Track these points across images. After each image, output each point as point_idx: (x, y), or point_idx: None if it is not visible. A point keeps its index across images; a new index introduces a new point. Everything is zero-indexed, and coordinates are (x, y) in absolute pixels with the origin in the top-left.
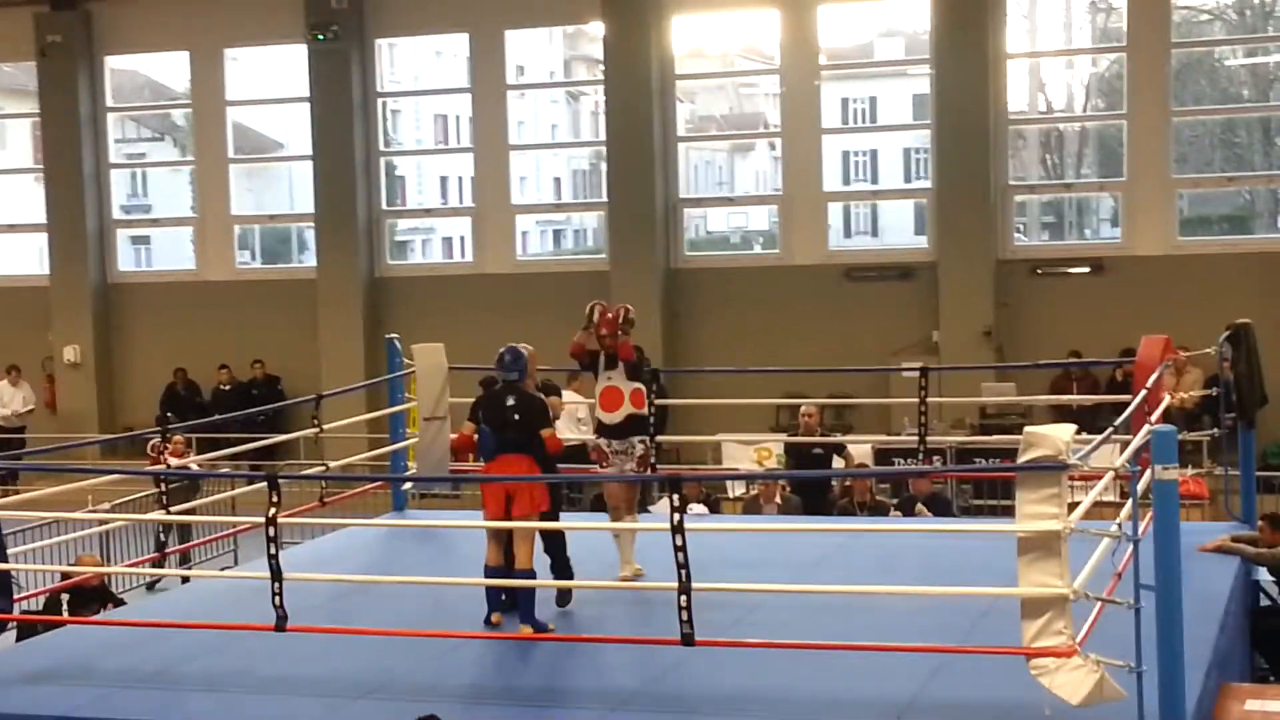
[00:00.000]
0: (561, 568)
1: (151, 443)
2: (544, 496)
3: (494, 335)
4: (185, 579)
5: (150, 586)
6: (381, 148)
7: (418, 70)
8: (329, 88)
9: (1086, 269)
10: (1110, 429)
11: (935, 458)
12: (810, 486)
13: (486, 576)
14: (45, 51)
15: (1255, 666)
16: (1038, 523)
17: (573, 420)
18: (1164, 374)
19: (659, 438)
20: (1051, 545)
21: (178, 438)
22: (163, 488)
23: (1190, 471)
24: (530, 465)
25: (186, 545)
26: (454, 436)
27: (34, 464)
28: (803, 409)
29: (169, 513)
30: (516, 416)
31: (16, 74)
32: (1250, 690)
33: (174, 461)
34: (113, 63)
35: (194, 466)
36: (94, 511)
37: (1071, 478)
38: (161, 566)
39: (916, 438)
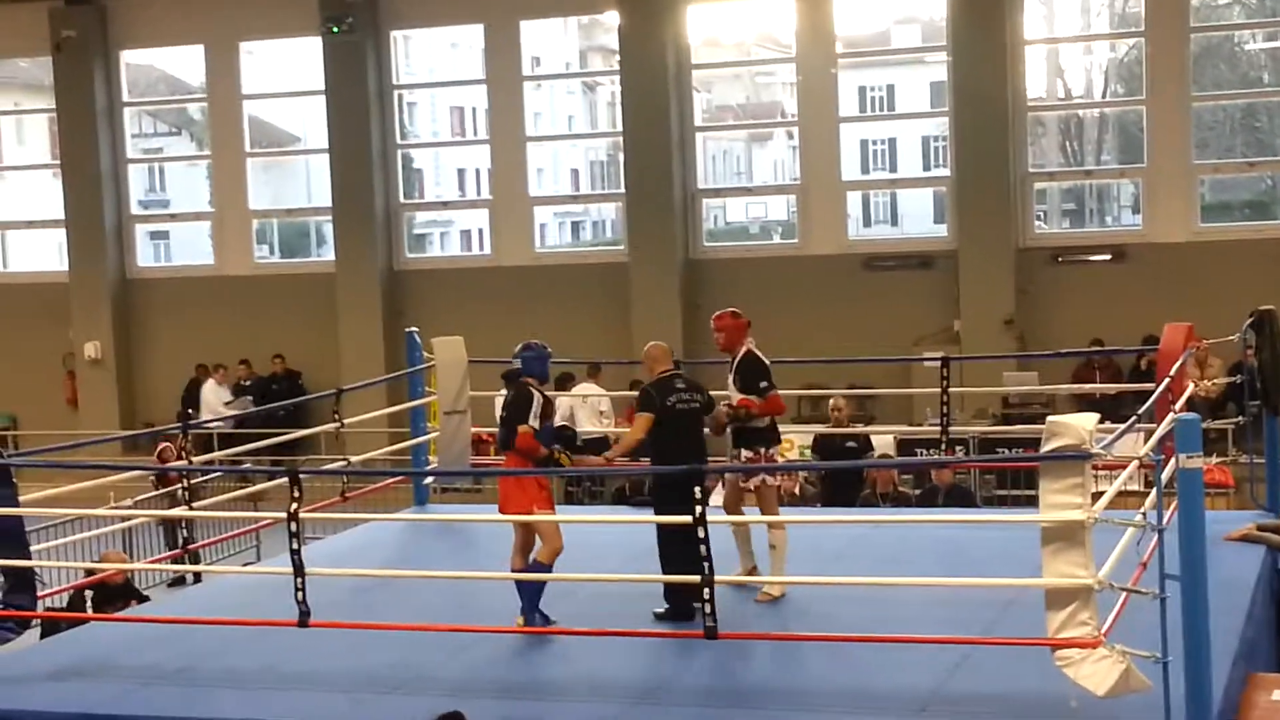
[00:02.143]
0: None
1: (161, 447)
2: (537, 494)
3: (513, 328)
4: (197, 576)
5: (173, 583)
6: (398, 140)
7: (433, 62)
8: (344, 80)
9: (1108, 256)
10: (1134, 418)
11: (958, 448)
12: (841, 478)
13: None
14: (60, 46)
15: None
16: (1061, 513)
17: (594, 413)
18: (1187, 362)
19: None
20: (1075, 535)
21: (172, 443)
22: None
23: (1215, 460)
24: (515, 464)
25: (201, 544)
26: None
27: (52, 461)
28: (831, 402)
29: (191, 509)
30: (503, 414)
31: (33, 69)
32: (1277, 680)
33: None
34: (128, 57)
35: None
36: (116, 508)
37: (1095, 467)
38: (183, 563)
39: (939, 428)
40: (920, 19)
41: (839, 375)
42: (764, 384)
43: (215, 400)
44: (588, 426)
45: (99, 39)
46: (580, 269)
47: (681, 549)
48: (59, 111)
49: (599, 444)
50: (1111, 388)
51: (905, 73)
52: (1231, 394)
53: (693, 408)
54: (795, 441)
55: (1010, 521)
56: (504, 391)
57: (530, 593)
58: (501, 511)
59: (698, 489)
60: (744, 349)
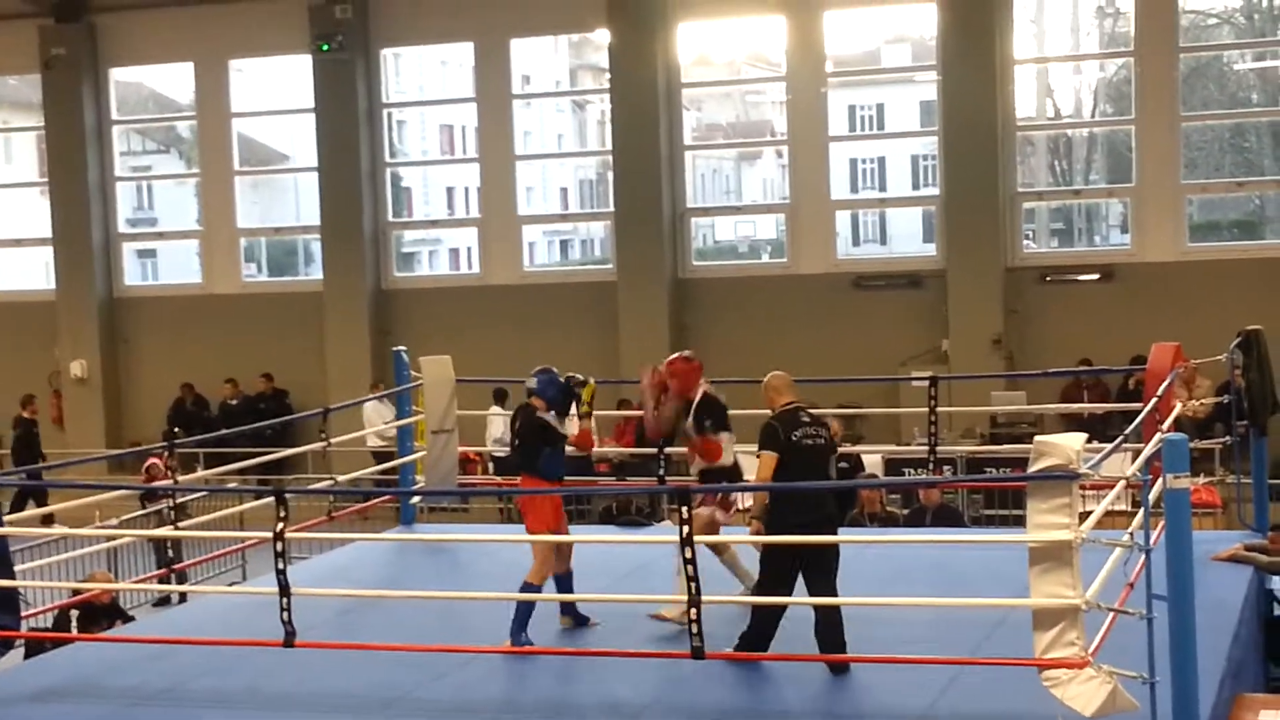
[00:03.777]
0: (755, 624)
1: (149, 463)
2: (550, 512)
3: (501, 347)
4: (183, 596)
5: (159, 603)
6: (387, 158)
7: (423, 80)
8: (334, 98)
9: (1096, 276)
10: (1121, 438)
11: (945, 467)
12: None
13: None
14: (49, 64)
15: (1269, 676)
16: (1049, 533)
17: None
18: (1175, 382)
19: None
20: (1063, 555)
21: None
22: (169, 504)
23: (1202, 480)
24: (533, 485)
25: (187, 563)
26: None
27: (37, 481)
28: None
29: (177, 529)
30: (516, 439)
31: (21, 87)
32: (1264, 700)
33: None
34: (117, 75)
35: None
36: (102, 527)
37: (1083, 487)
38: (169, 582)
39: (926, 448)
40: (910, 38)
41: (827, 395)
42: (707, 422)
43: (378, 418)
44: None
45: (88, 57)
46: (569, 288)
47: (768, 575)
48: (47, 129)
49: (582, 462)
50: (1099, 407)
51: (895, 92)
52: (1219, 414)
53: (818, 444)
54: None
55: (998, 541)
56: (494, 409)
57: (521, 614)
58: (529, 531)
59: (685, 509)
60: (700, 392)
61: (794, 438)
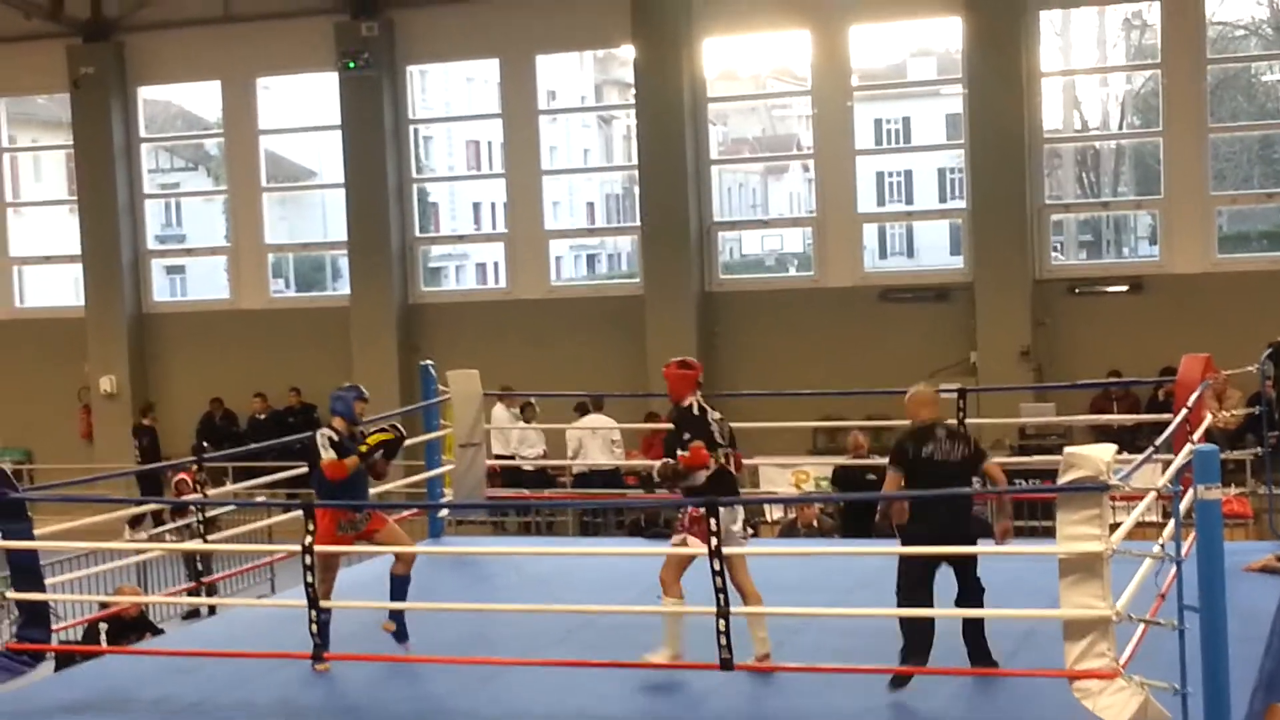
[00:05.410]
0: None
1: (178, 477)
2: (320, 528)
3: (528, 361)
4: (212, 609)
5: (188, 616)
6: (414, 174)
7: (449, 96)
8: (361, 115)
9: (1125, 288)
10: (1151, 449)
11: (974, 479)
12: (861, 510)
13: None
14: (78, 83)
15: None
16: (1079, 544)
17: (608, 445)
18: (1205, 394)
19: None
20: (1093, 566)
21: (187, 474)
22: (198, 518)
23: (1233, 491)
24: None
25: (216, 576)
26: None
27: (67, 495)
28: (851, 438)
29: (206, 542)
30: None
31: (50, 106)
32: None
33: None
34: (145, 93)
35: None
36: (131, 541)
37: (1113, 498)
38: (198, 596)
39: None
40: (936, 51)
41: (855, 407)
42: (686, 436)
43: (507, 421)
44: (600, 458)
45: (116, 76)
46: (596, 302)
47: (908, 590)
48: (76, 147)
49: (610, 475)
50: (1129, 419)
51: (921, 105)
52: (1250, 425)
53: (950, 460)
54: (811, 473)
55: (1028, 553)
56: (521, 424)
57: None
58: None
59: (713, 521)
60: (686, 403)
61: (923, 454)
